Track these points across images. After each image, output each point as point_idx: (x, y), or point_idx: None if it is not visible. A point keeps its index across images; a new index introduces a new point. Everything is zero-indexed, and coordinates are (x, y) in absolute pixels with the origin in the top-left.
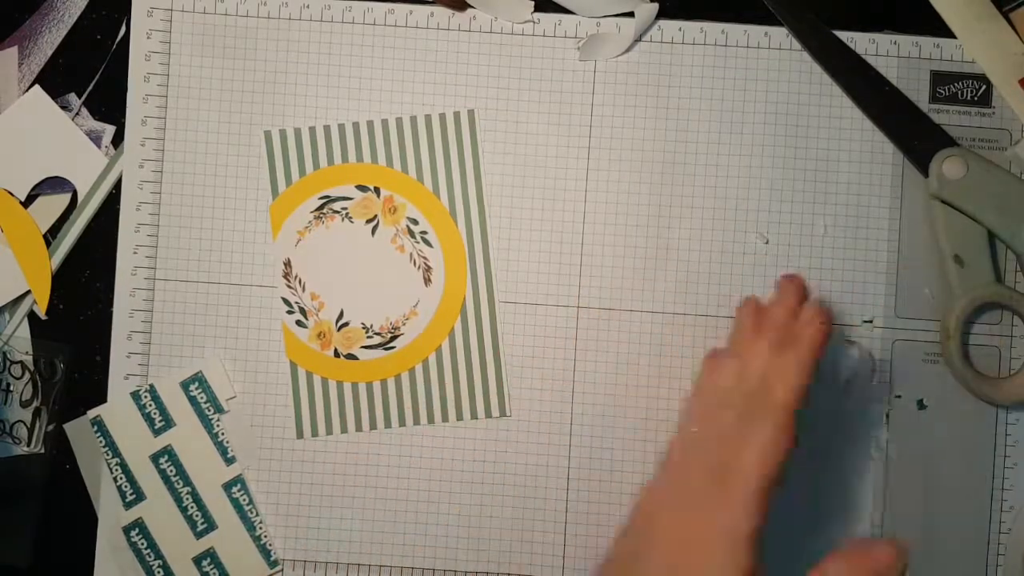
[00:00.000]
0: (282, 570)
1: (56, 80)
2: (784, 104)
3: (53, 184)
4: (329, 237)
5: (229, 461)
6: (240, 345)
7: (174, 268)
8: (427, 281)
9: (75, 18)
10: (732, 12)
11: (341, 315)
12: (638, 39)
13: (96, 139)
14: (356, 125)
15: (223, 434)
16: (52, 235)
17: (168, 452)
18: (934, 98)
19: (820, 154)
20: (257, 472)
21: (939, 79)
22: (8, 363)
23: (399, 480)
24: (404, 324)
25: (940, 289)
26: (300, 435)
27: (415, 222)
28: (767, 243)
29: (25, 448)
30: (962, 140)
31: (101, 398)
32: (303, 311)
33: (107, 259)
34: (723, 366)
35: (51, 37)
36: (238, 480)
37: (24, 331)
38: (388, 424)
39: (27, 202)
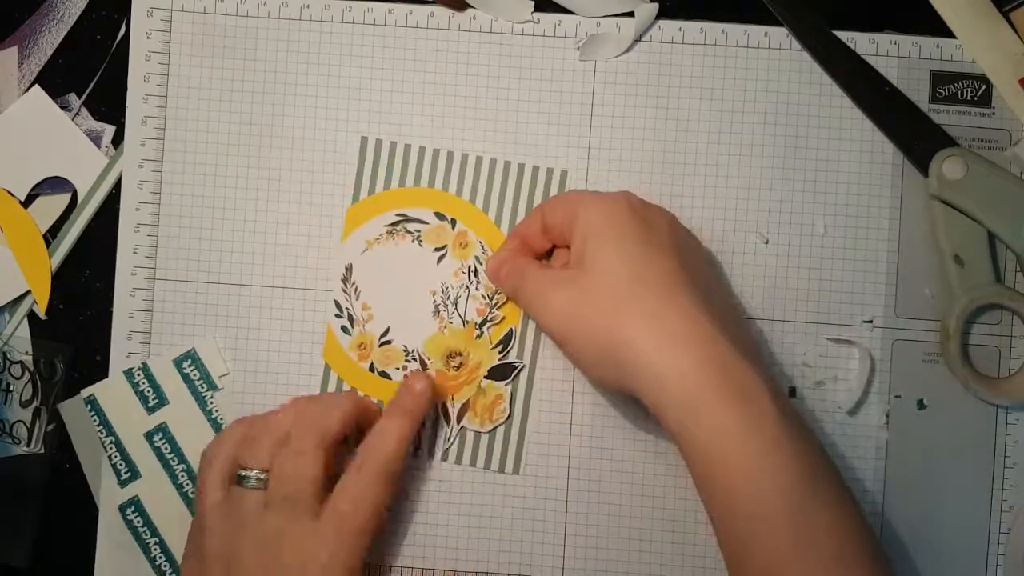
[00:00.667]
0: None
1: (56, 80)
2: (784, 104)
3: (53, 184)
4: (396, 254)
5: None
6: (241, 345)
7: (174, 268)
8: (477, 326)
9: (75, 18)
10: (732, 12)
11: (386, 332)
12: (638, 39)
13: (96, 139)
14: (451, 154)
15: (217, 411)
16: (52, 235)
17: (162, 430)
18: (934, 98)
19: (820, 154)
20: None
21: (939, 79)
22: (8, 363)
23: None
24: None
25: (940, 289)
26: None
27: (480, 262)
28: (767, 243)
29: (25, 448)
30: (962, 140)
31: None
32: (351, 318)
33: (107, 259)
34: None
35: (51, 37)
36: None
37: (24, 331)
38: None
39: (27, 202)
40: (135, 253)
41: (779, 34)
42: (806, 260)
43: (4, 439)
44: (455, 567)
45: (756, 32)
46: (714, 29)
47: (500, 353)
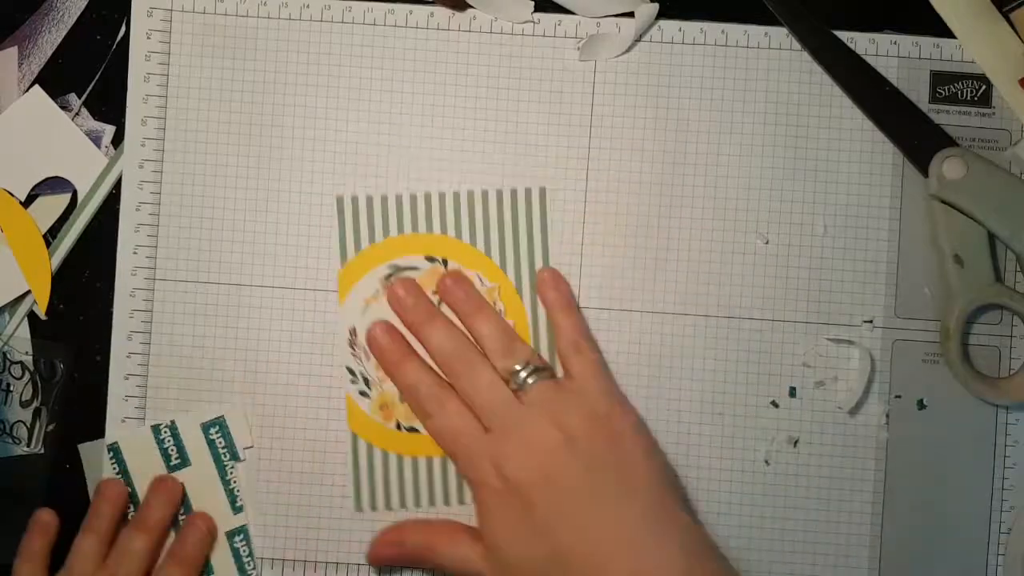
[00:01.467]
0: (282, 571)
1: (56, 80)
2: (784, 104)
3: (53, 184)
4: None
5: (237, 511)
6: (241, 345)
7: (174, 268)
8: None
9: (75, 18)
10: (732, 12)
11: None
12: (638, 39)
13: (96, 139)
14: (428, 196)
15: (235, 482)
16: (52, 235)
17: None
18: (934, 98)
19: (820, 154)
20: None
21: (939, 79)
22: (8, 363)
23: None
24: None
25: (940, 289)
26: (359, 507)
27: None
28: (767, 243)
29: (25, 448)
30: (962, 140)
31: (101, 398)
32: (367, 381)
33: (107, 259)
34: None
35: (51, 37)
36: (242, 530)
37: (24, 331)
38: (447, 502)
39: (27, 202)
40: (135, 253)
41: (779, 34)
42: (806, 260)
43: (4, 439)
44: None
45: (756, 32)
46: (714, 29)
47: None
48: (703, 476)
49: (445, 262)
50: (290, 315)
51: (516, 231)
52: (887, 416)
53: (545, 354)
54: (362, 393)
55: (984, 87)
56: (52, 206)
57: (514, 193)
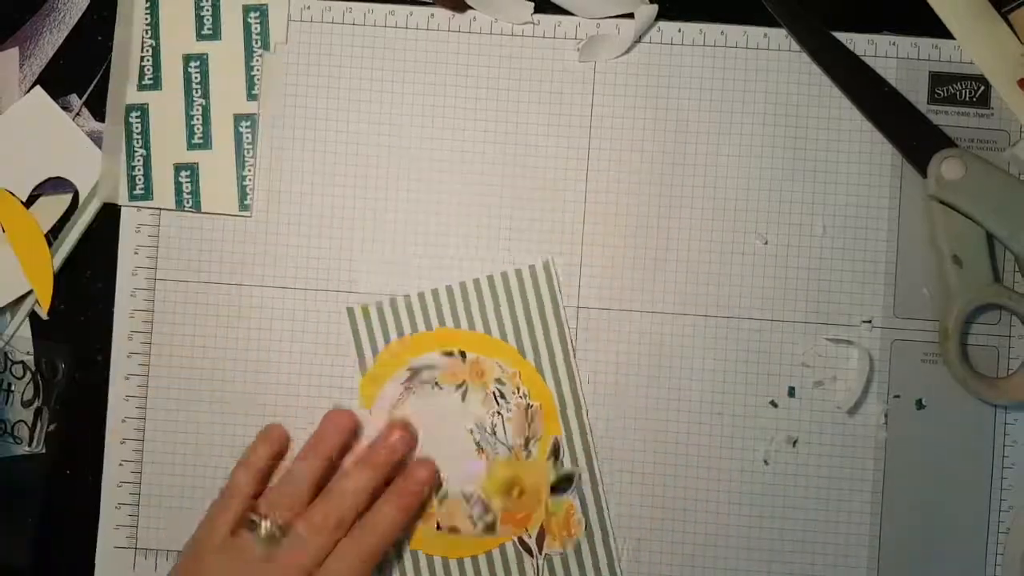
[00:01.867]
0: None
1: (57, 81)
2: (783, 105)
3: (54, 184)
4: (422, 407)
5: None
6: (242, 345)
7: (174, 268)
8: (523, 447)
9: (76, 19)
10: (731, 13)
11: (440, 485)
12: (637, 40)
13: (97, 139)
14: (436, 292)
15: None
16: (53, 235)
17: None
18: (933, 99)
19: (819, 155)
20: None
21: (938, 80)
22: (9, 363)
23: None
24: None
25: (939, 290)
26: None
27: (502, 383)
28: (766, 243)
29: (26, 448)
30: (961, 141)
31: (102, 398)
32: None
33: (108, 259)
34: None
35: (52, 38)
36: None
37: (25, 331)
38: None
39: (29, 202)
40: (136, 253)
41: (778, 35)
42: (805, 260)
43: (5, 439)
44: None
45: (755, 33)
46: (713, 30)
47: (554, 466)
48: (702, 476)
49: (463, 354)
50: (291, 315)
51: (528, 312)
52: (886, 416)
53: (577, 440)
54: None
55: (983, 88)
56: (53, 206)
57: (519, 273)
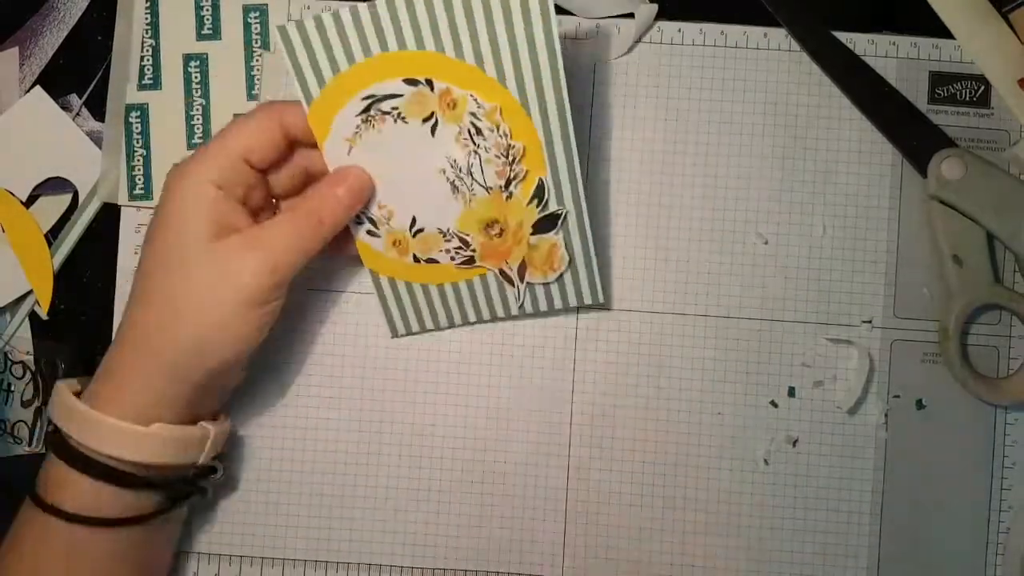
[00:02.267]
0: (282, 571)
1: (57, 81)
2: (783, 105)
3: (54, 184)
4: (383, 141)
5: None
6: None
7: None
8: (502, 188)
9: (76, 19)
10: (731, 13)
11: (414, 222)
12: (638, 40)
13: (97, 139)
14: (392, 2)
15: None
16: (53, 235)
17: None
18: (933, 99)
19: (819, 155)
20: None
21: (938, 80)
22: (9, 363)
23: (399, 479)
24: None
25: (939, 290)
26: (395, 334)
27: (478, 118)
28: (766, 243)
29: (26, 448)
30: (961, 141)
31: None
32: (372, 221)
33: (108, 259)
34: None
35: (52, 38)
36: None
37: (25, 331)
38: (480, 317)
39: (28, 202)
40: (136, 253)
41: (778, 35)
42: (805, 260)
43: (5, 439)
44: (455, 566)
45: (755, 33)
46: (713, 30)
47: (538, 207)
48: (702, 476)
49: (430, 83)
50: (289, 314)
51: (512, 35)
52: (886, 416)
53: (565, 181)
54: (370, 233)
55: (983, 88)
56: (53, 206)
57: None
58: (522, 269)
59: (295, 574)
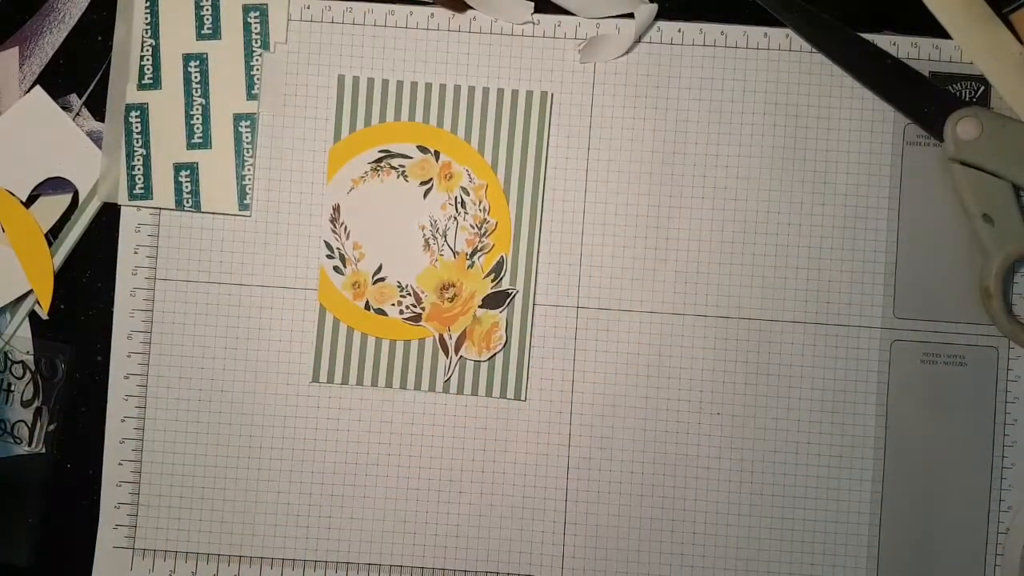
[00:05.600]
0: (282, 571)
1: (57, 81)
2: (783, 105)
3: (54, 184)
4: (382, 191)
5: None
6: (242, 345)
7: (174, 268)
8: (468, 256)
9: (76, 19)
10: (731, 13)
11: (379, 269)
12: (638, 40)
13: (97, 139)
14: (429, 86)
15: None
16: (53, 235)
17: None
18: None
19: (819, 155)
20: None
21: (938, 80)
22: (9, 363)
23: (398, 479)
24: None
25: (974, 251)
26: (316, 378)
27: (467, 192)
28: (766, 243)
29: (26, 448)
30: None
31: (102, 398)
32: (343, 258)
33: (108, 259)
34: None
35: (52, 38)
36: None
37: (25, 331)
38: (404, 385)
39: (28, 202)
40: (136, 253)
41: (778, 35)
42: (805, 260)
43: (5, 439)
44: (455, 567)
45: (755, 33)
46: (713, 30)
47: (492, 281)
48: (701, 476)
49: (437, 154)
50: (290, 315)
51: (512, 132)
52: (886, 416)
53: (521, 264)
54: (336, 269)
55: (983, 88)
56: (53, 206)
57: (515, 94)
58: (460, 340)
59: (294, 575)
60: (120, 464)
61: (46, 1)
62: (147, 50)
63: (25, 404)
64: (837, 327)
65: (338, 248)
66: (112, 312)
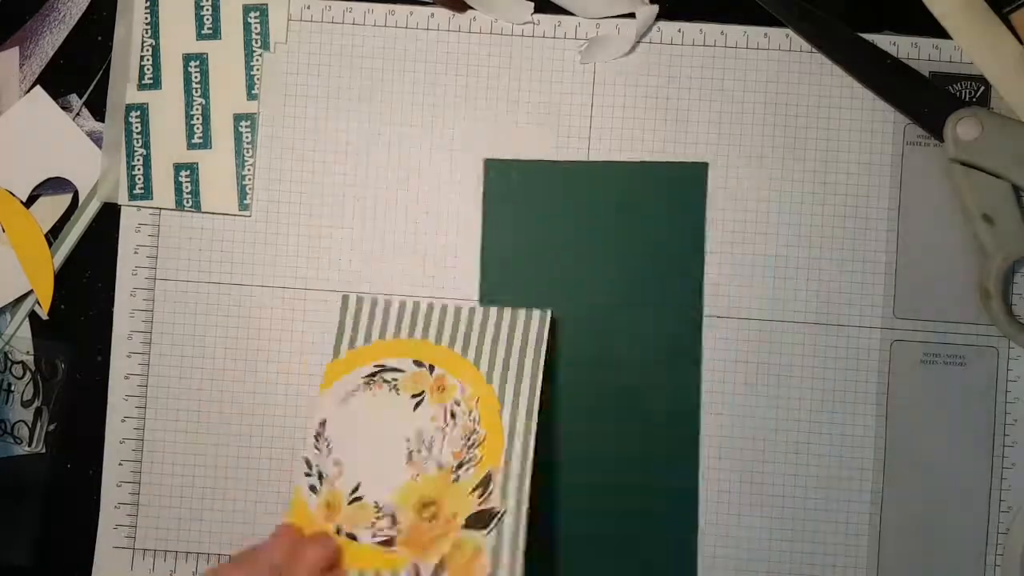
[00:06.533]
0: None
1: (57, 81)
2: (783, 105)
3: (54, 184)
4: (372, 405)
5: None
6: (242, 345)
7: (174, 268)
8: (453, 470)
9: (76, 19)
10: (731, 13)
11: (356, 488)
12: (638, 40)
13: (97, 139)
14: (431, 306)
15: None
16: (53, 235)
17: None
18: None
19: (819, 155)
20: None
21: (938, 80)
22: (9, 363)
23: None
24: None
25: (974, 252)
26: None
27: (459, 404)
28: (766, 243)
29: (26, 448)
30: None
31: (102, 398)
32: (320, 476)
33: (108, 259)
34: None
35: (52, 38)
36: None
37: (25, 331)
38: None
39: (28, 202)
40: (136, 253)
41: (778, 35)
42: (805, 260)
43: (5, 439)
44: None
45: (755, 33)
46: (713, 30)
47: (479, 498)
48: (701, 476)
49: (431, 368)
50: (290, 315)
51: (510, 348)
52: (886, 417)
53: (515, 474)
54: (312, 488)
55: (983, 88)
56: (53, 206)
57: (514, 312)
58: (438, 571)
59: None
60: (120, 464)
61: (46, 1)
62: (147, 50)
63: (25, 404)
64: (837, 327)
65: (317, 466)
66: (112, 312)
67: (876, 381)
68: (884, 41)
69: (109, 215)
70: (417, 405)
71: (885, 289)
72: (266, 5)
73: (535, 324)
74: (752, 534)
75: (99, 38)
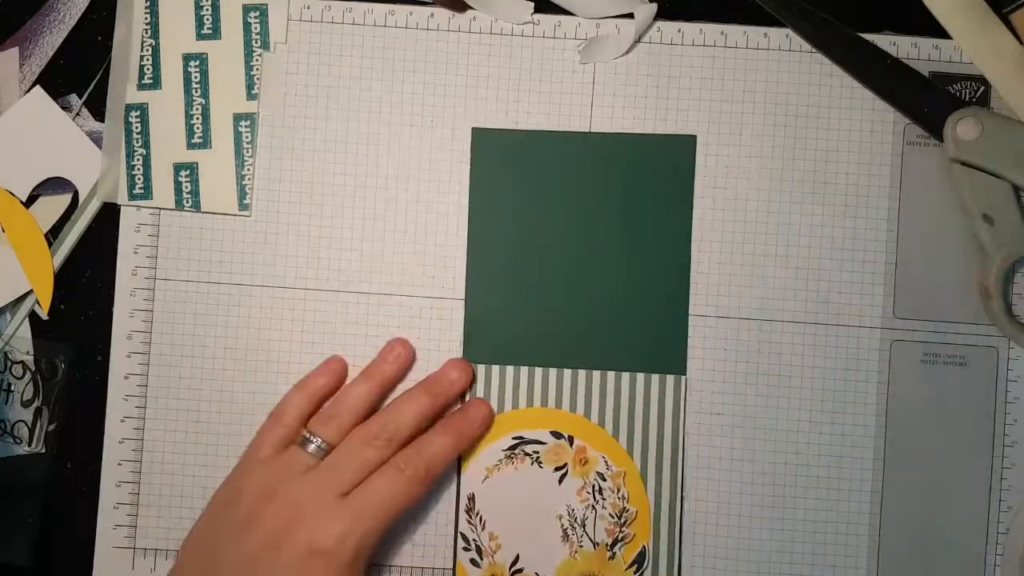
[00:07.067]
0: None
1: (57, 81)
2: (783, 104)
3: (54, 184)
4: (517, 479)
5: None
6: (242, 345)
7: (174, 268)
8: (608, 547)
9: (76, 19)
10: (731, 13)
11: (516, 560)
12: (638, 40)
13: (97, 139)
14: (560, 372)
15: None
16: (53, 235)
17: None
18: None
19: (819, 155)
20: None
21: (938, 80)
22: (9, 363)
23: None
24: None
25: (974, 252)
26: None
27: (603, 479)
28: (766, 243)
29: (26, 448)
30: None
31: (101, 398)
32: (479, 550)
33: (108, 259)
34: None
35: (52, 38)
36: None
37: (25, 331)
38: None
39: (28, 202)
40: (136, 253)
41: (778, 35)
42: (805, 260)
43: (5, 439)
44: (451, 566)
45: (755, 33)
46: (713, 30)
47: (635, 573)
48: (701, 476)
49: (571, 439)
50: (290, 315)
51: (647, 417)
52: (886, 417)
53: (663, 554)
54: (473, 562)
55: (983, 88)
56: (53, 206)
57: (648, 379)
58: None
59: None
60: (120, 464)
61: (46, 1)
62: (147, 50)
63: (25, 404)
64: (837, 327)
65: (474, 540)
66: (112, 312)
67: (876, 381)
68: (884, 41)
69: (109, 215)
70: (562, 479)
71: (885, 289)
72: (266, 5)
73: (670, 390)
74: (752, 534)
75: (99, 38)
